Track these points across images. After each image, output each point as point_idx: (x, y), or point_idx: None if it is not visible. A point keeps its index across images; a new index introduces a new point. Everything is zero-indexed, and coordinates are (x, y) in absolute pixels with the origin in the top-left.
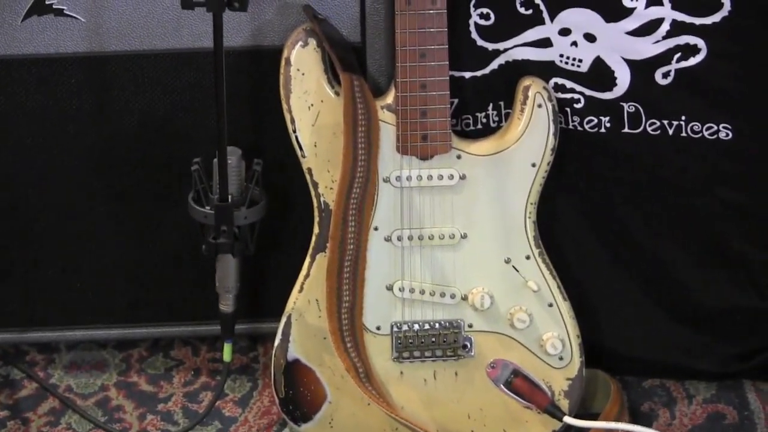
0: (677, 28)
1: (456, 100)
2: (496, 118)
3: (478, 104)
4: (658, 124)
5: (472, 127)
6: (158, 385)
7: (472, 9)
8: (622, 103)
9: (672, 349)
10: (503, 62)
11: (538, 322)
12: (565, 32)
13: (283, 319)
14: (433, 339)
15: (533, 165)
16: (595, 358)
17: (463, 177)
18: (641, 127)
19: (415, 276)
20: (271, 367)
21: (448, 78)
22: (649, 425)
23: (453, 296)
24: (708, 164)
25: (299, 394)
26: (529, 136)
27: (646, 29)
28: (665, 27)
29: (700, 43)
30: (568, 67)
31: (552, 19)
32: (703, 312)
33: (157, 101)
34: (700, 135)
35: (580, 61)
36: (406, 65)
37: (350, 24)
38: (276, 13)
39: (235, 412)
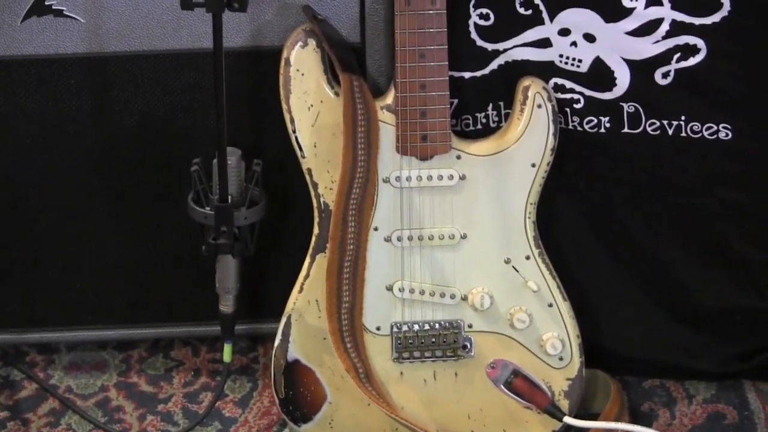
0: (677, 28)
1: (456, 101)
2: (496, 119)
3: (478, 104)
4: (658, 124)
5: (471, 128)
6: (158, 386)
7: (471, 9)
8: (621, 104)
9: (672, 350)
10: (503, 62)
11: (538, 322)
12: (564, 32)
13: (283, 320)
14: (433, 339)
15: (533, 165)
16: (595, 359)
17: (462, 177)
18: (641, 127)
19: (415, 276)
20: (271, 368)
21: (447, 78)
22: (649, 425)
23: (453, 296)
24: (708, 164)
25: (299, 394)
26: (528, 137)
27: (645, 29)
28: (665, 27)
29: (699, 43)
30: (568, 67)
31: (551, 19)
32: (703, 312)
33: (156, 102)
34: (699, 135)
35: (580, 61)
36: (406, 66)
37: (350, 24)
38: (275, 14)
39: (235, 412)
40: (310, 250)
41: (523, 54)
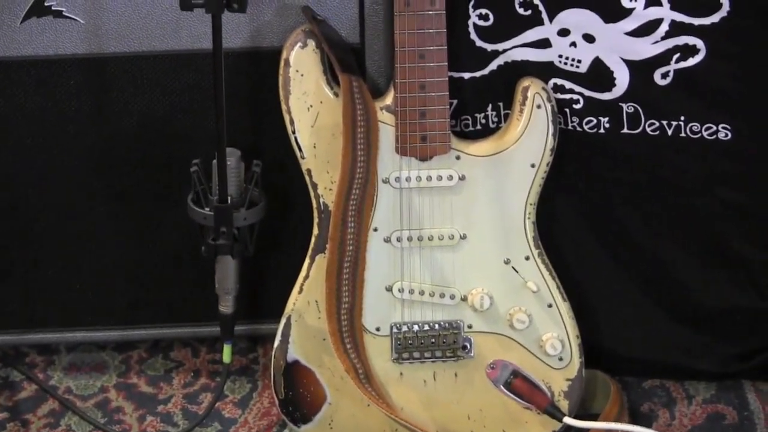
0: (676, 29)
1: (455, 101)
2: (495, 119)
3: (478, 105)
4: (657, 124)
5: (471, 128)
6: (158, 387)
7: (471, 10)
8: (621, 104)
9: (672, 350)
10: (502, 63)
11: (537, 322)
12: (564, 33)
13: (283, 321)
14: (433, 340)
15: (532, 165)
16: (595, 359)
17: (462, 178)
18: (640, 128)
19: (415, 277)
20: (271, 369)
21: (447, 79)
22: (648, 426)
23: (452, 297)
24: (707, 164)
25: (299, 395)
26: (528, 137)
27: (645, 30)
28: (664, 27)
29: (699, 43)
30: (567, 67)
31: (551, 19)
32: (702, 312)
33: (156, 102)
34: (699, 135)
35: (579, 61)
36: (405, 66)
37: (349, 25)
38: (275, 15)
39: (234, 413)
40: (310, 251)
41: (523, 54)
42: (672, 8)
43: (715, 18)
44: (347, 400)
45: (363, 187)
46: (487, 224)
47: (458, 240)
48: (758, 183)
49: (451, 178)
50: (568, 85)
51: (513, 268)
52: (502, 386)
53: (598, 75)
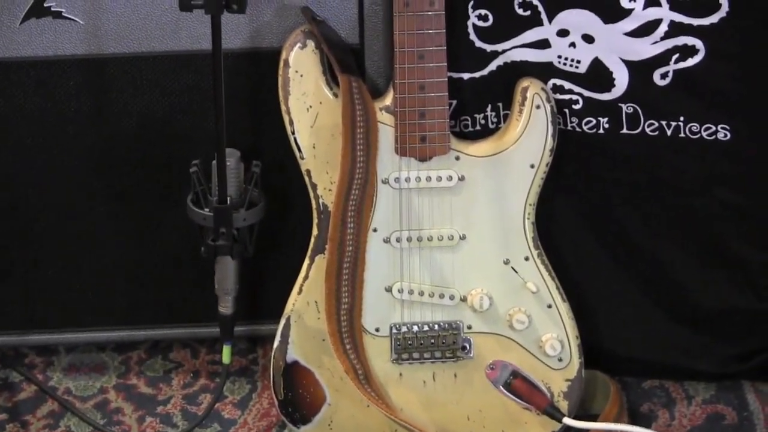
0: (675, 29)
1: (454, 102)
2: (495, 120)
3: (477, 105)
4: (657, 124)
5: (470, 129)
6: (157, 388)
7: (470, 10)
8: (620, 104)
9: (671, 350)
10: (501, 63)
11: (537, 323)
12: (563, 33)
13: (282, 321)
14: (432, 340)
15: (532, 166)
16: (594, 359)
17: (461, 178)
18: (640, 128)
19: (414, 277)
20: (270, 369)
21: (446, 79)
22: (648, 426)
23: (452, 297)
24: (706, 165)
25: (298, 396)
26: (527, 138)
27: (644, 30)
28: (663, 28)
29: (698, 43)
30: (567, 68)
31: (550, 20)
32: (701, 313)
33: (155, 103)
34: (698, 136)
35: (579, 62)
36: (405, 67)
37: (348, 26)
38: (274, 15)
39: (234, 414)
40: (309, 252)
41: (522, 55)
42: (671, 9)
43: (714, 18)
44: (347, 401)
45: (362, 188)
46: (487, 225)
47: (458, 240)
48: (757, 183)
49: (450, 178)
50: (567, 85)
51: (512, 268)
52: (501, 387)
53: (598, 75)
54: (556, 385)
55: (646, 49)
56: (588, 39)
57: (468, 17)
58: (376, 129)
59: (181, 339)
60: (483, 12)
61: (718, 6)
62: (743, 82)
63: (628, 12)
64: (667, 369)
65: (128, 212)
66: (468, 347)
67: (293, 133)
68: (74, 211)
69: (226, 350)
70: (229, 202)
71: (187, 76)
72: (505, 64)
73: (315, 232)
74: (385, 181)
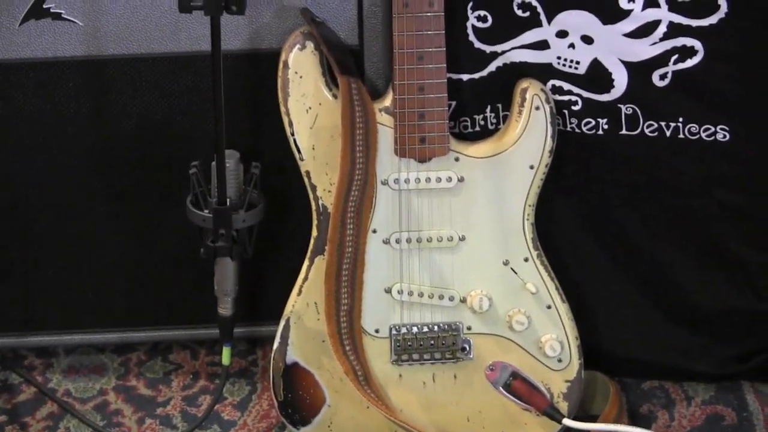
0: (674, 30)
1: (454, 103)
2: (494, 121)
3: (476, 106)
4: (656, 125)
5: (470, 130)
6: (157, 389)
7: (469, 11)
8: (619, 105)
9: (670, 351)
10: (501, 64)
11: (536, 324)
12: (562, 34)
13: (282, 323)
14: (432, 342)
15: (531, 167)
16: (594, 360)
17: (461, 179)
18: (639, 129)
19: (414, 279)
20: (270, 371)
21: (445, 80)
22: (648, 427)
23: (452, 299)
24: (705, 166)
25: (298, 397)
26: (526, 139)
27: (643, 31)
28: (662, 29)
29: (697, 44)
30: (566, 69)
31: (549, 21)
32: (701, 313)
33: (155, 104)
34: (697, 136)
35: (578, 63)
36: (404, 68)
37: (348, 27)
38: (274, 17)
39: (234, 415)
40: (309, 253)
41: (521, 56)
42: (670, 10)
43: (713, 19)
44: (346, 402)
45: (362, 189)
46: (486, 226)
47: (457, 241)
48: (756, 184)
49: (450, 179)
50: (566, 86)
51: (512, 269)
52: (501, 388)
53: (597, 76)
54: (556, 386)
55: (645, 50)
56: (587, 40)
57: (467, 18)
58: (375, 130)
59: (180, 340)
60: (482, 13)
61: (717, 7)
62: (742, 83)
63: (627, 13)
64: (666, 370)
65: (127, 213)
66: (468, 348)
67: (293, 134)
68: (74, 212)
69: (226, 352)
70: (228, 203)
71: (187, 78)
72: (505, 65)
73: (314, 233)
74: (385, 182)
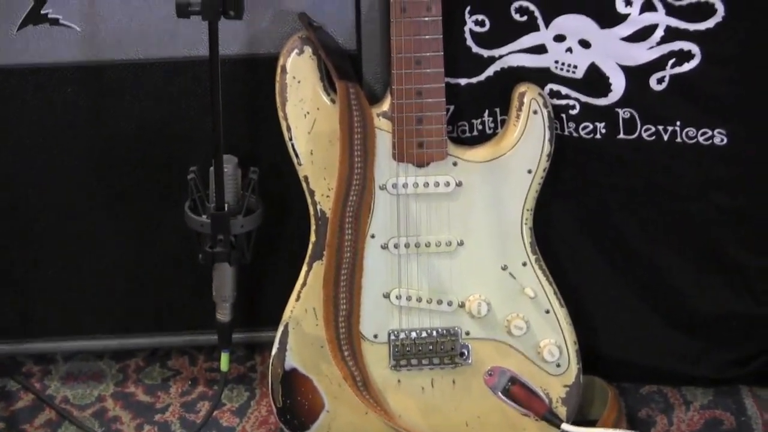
0: (671, 34)
1: (452, 107)
2: (492, 125)
3: (474, 111)
4: (653, 129)
5: (468, 134)
6: (155, 396)
7: (467, 16)
8: (617, 109)
9: (669, 355)
10: (498, 69)
11: (535, 328)
12: (559, 38)
13: (281, 328)
14: (431, 347)
15: (529, 171)
16: (592, 364)
17: (459, 184)
18: (636, 133)
19: (412, 284)
20: (269, 377)
21: (443, 85)
22: None
23: (450, 304)
24: (703, 170)
25: (297, 403)
26: (524, 143)
27: (640, 35)
28: (659, 33)
29: (694, 48)
30: (563, 73)
31: (547, 25)
32: (699, 318)
33: (153, 109)
34: (694, 140)
35: (575, 67)
36: (402, 72)
37: (346, 32)
38: (271, 21)
39: (232, 421)
40: (307, 258)
41: (519, 60)
42: (667, 14)
43: (710, 23)
44: (345, 408)
45: (360, 194)
46: (484, 230)
47: (455, 246)
48: (754, 188)
49: (448, 184)
50: (564, 90)
51: (510, 274)
52: (500, 393)
53: (594, 80)
54: (555, 390)
55: (642, 54)
56: (584, 44)
57: (465, 23)
58: (373, 135)
59: (179, 346)
60: (480, 17)
61: (714, 11)
62: (739, 86)
63: (624, 17)
64: (664, 374)
65: (126, 220)
66: (466, 353)
67: (291, 139)
68: (73, 217)
69: (224, 358)
70: (226, 208)
71: (185, 83)
72: (502, 69)
73: (313, 238)
74: (383, 187)
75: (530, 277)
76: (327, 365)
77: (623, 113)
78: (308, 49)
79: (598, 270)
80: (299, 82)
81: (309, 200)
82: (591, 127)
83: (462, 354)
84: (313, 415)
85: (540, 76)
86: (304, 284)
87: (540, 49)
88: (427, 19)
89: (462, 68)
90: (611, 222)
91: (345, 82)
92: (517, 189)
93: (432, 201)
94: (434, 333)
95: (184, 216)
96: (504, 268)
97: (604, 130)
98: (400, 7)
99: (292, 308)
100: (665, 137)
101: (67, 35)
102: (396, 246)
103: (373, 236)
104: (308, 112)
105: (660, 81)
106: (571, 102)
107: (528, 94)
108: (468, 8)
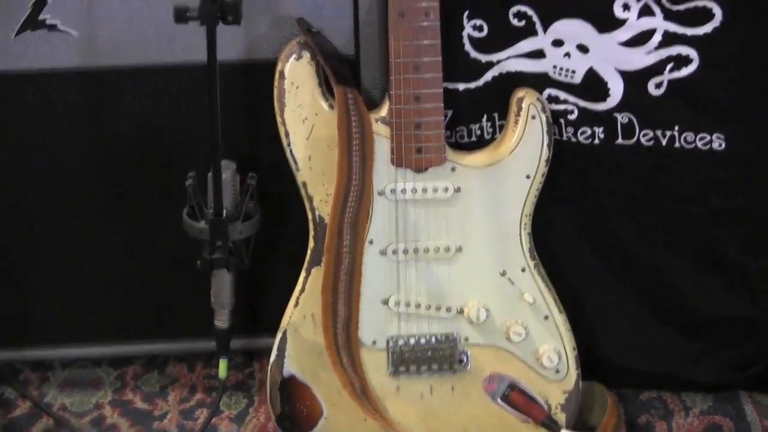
0: (669, 39)
1: (450, 112)
2: (491, 130)
3: (473, 116)
4: (652, 134)
5: (466, 139)
6: (153, 403)
7: (465, 21)
8: (615, 114)
9: (668, 360)
10: (497, 74)
11: (534, 334)
12: (558, 43)
13: (279, 335)
14: (430, 353)
15: (528, 176)
16: (591, 369)
17: (457, 189)
18: (635, 138)
19: (411, 290)
20: (267, 383)
21: (442, 90)
22: None
23: (449, 310)
24: (702, 174)
25: (295, 410)
26: (523, 148)
27: (638, 40)
28: (657, 38)
29: (692, 53)
30: (562, 78)
31: (545, 30)
32: (698, 321)
33: (151, 115)
34: (693, 144)
35: (573, 72)
36: (400, 78)
37: (344, 37)
38: (270, 27)
39: (231, 429)
40: (306, 264)
41: (517, 65)
42: (665, 18)
43: (707, 28)
44: (344, 415)
45: (358, 200)
46: (483, 236)
47: (454, 252)
48: (752, 191)
49: (446, 189)
50: (562, 95)
51: (509, 280)
52: (499, 399)
53: (593, 85)
54: (554, 397)
55: (640, 59)
56: (582, 49)
57: (463, 28)
58: (371, 140)
59: (177, 353)
60: (478, 22)
61: (712, 15)
62: (738, 90)
63: (622, 22)
64: (664, 379)
65: (124, 228)
66: (465, 359)
67: (289, 145)
68: (73, 222)
69: (223, 364)
70: (225, 214)
71: (183, 88)
72: (501, 74)
73: (311, 244)
74: (381, 193)
75: (529, 282)
76: (325, 372)
77: (621, 118)
78: (306, 55)
79: (596, 275)
80: (297, 87)
81: (307, 206)
82: (589, 132)
83: (461, 360)
84: (311, 422)
85: (538, 81)
86: (302, 290)
87: (538, 54)
88: (425, 24)
89: (460, 73)
90: (610, 227)
91: (343, 88)
92: (516, 194)
93: (430, 206)
94: (433, 339)
95: (183, 222)
96: (503, 274)
97: (602, 136)
98: (399, 13)
99: (290, 315)
100: (663, 142)
101: (65, 41)
102: (394, 252)
103: (371, 242)
104: (306, 118)
105: (658, 86)
106: (570, 107)
107: (526, 99)
108: (466, 13)
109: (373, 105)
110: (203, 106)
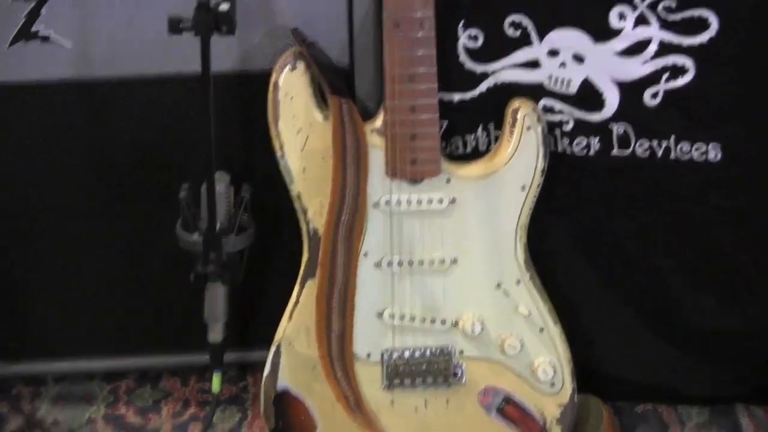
0: (665, 49)
1: (445, 123)
2: (486, 141)
3: (468, 127)
4: (648, 145)
5: (461, 150)
6: (146, 417)
7: (460, 31)
8: (611, 125)
9: (664, 372)
10: (492, 84)
11: (529, 347)
12: (553, 53)
13: (273, 349)
14: (424, 366)
15: (523, 188)
16: (587, 382)
17: (452, 201)
18: (630, 149)
19: (406, 302)
20: (261, 398)
21: (437, 101)
22: None
23: (443, 322)
24: (698, 184)
25: (289, 424)
26: (518, 159)
27: (634, 50)
28: (653, 47)
29: (688, 63)
30: (557, 88)
31: (540, 40)
32: (694, 333)
33: (145, 126)
34: (689, 155)
35: (569, 82)
36: (395, 88)
37: (339, 47)
38: (264, 37)
39: None
40: (300, 277)
41: (512, 75)
42: (661, 28)
43: (703, 38)
44: (338, 429)
45: (353, 211)
46: (478, 248)
47: (449, 264)
48: (748, 201)
49: (441, 201)
50: (557, 106)
51: (504, 292)
52: (494, 412)
53: (588, 96)
54: (549, 410)
55: (636, 68)
56: (578, 59)
57: (458, 38)
58: (366, 151)
59: (170, 367)
60: (473, 32)
61: (708, 25)
62: (733, 100)
63: (617, 32)
64: (661, 391)
65: (117, 241)
66: (460, 373)
67: (283, 156)
68: (65, 237)
69: (216, 378)
70: (218, 227)
71: (177, 99)
72: (496, 85)
73: (305, 256)
74: (376, 205)
75: (524, 295)
76: (319, 386)
77: (617, 128)
78: (301, 65)
79: (592, 286)
80: (292, 98)
81: (301, 218)
82: (585, 142)
83: (456, 373)
84: None
85: (533, 92)
86: (296, 303)
87: (534, 64)
88: (420, 35)
89: (455, 84)
90: (605, 238)
91: (338, 98)
92: (511, 205)
93: (425, 218)
94: (428, 352)
95: (176, 235)
96: (498, 286)
97: (598, 146)
98: (394, 23)
99: (284, 328)
100: (659, 153)
101: (59, 52)
102: (389, 264)
103: (366, 254)
104: (301, 129)
105: (654, 96)
106: (565, 117)
107: (522, 110)
108: (462, 23)
109: (368, 116)
110: (197, 118)
